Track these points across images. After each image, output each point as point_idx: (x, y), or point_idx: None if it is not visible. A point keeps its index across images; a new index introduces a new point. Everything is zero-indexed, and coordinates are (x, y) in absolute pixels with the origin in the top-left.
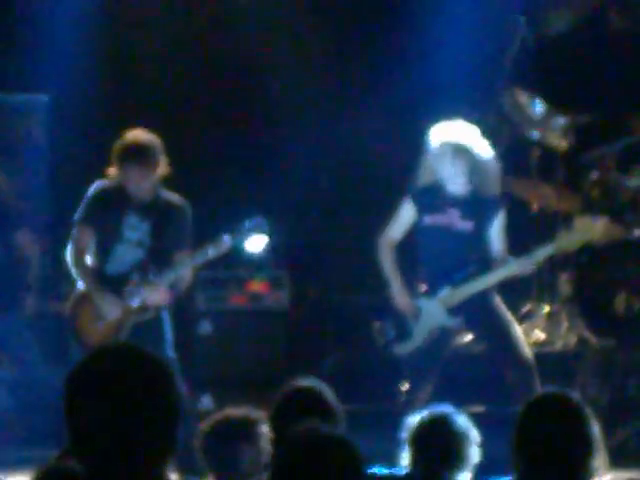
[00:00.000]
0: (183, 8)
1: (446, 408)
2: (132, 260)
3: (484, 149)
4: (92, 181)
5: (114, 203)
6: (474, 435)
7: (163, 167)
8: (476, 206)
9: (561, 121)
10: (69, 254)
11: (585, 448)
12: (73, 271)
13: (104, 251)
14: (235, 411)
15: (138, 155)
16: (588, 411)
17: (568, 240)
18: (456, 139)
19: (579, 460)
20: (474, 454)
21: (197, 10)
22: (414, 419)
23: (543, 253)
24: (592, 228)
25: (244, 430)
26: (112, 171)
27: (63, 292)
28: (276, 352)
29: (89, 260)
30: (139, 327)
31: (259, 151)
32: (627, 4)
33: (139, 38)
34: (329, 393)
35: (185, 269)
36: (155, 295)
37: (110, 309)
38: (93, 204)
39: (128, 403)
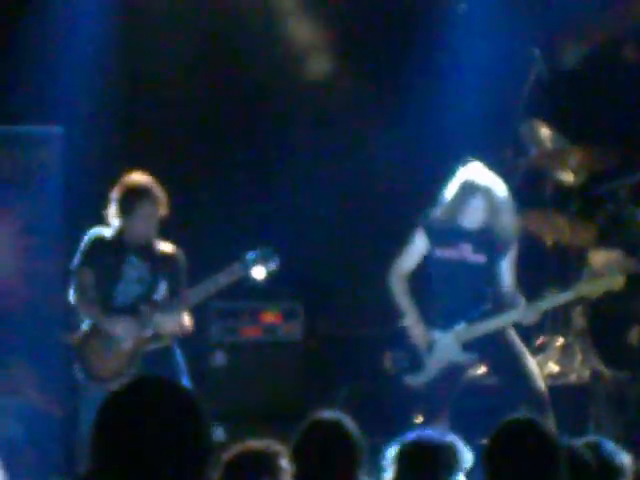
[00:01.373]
0: (196, 36)
1: (433, 433)
2: (136, 294)
3: (500, 188)
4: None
5: (113, 246)
6: (459, 456)
7: (165, 209)
8: (488, 240)
9: (576, 154)
10: (72, 298)
11: (551, 477)
12: (80, 312)
13: (106, 290)
14: (256, 443)
15: (151, 193)
16: (557, 440)
17: (589, 289)
18: (474, 178)
19: None
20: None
21: (209, 37)
22: (397, 446)
23: (562, 298)
24: (615, 280)
25: (266, 463)
26: (111, 216)
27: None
28: (290, 384)
29: (93, 298)
30: (150, 357)
31: (269, 182)
32: None
33: (152, 68)
34: (351, 425)
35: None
36: (170, 322)
37: (124, 339)
38: (91, 248)
39: (161, 435)
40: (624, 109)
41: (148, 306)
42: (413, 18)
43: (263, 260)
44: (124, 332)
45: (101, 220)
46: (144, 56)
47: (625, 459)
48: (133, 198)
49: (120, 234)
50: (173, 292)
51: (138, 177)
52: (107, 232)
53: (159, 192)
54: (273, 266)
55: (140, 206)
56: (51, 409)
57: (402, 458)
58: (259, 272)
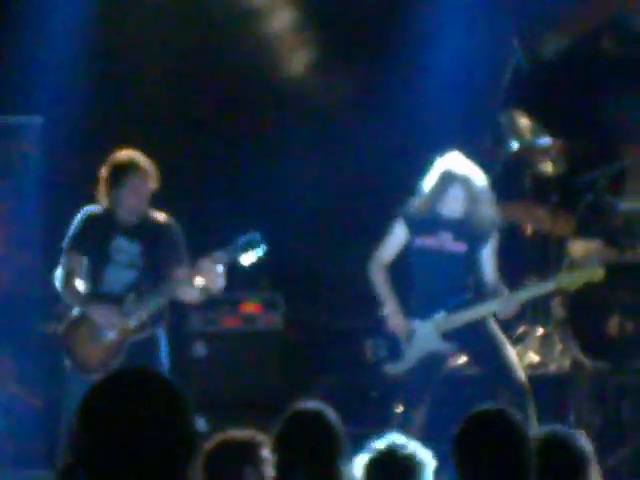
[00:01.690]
0: (181, 30)
1: (395, 438)
2: (125, 281)
3: (479, 178)
4: (87, 202)
5: (101, 227)
6: (425, 463)
7: (155, 183)
8: (468, 228)
9: (554, 145)
10: (58, 280)
11: (518, 467)
12: (63, 296)
13: (95, 275)
14: (238, 433)
15: (139, 165)
16: (524, 430)
17: (570, 280)
18: (453, 167)
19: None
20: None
21: (191, 25)
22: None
23: (543, 288)
24: (595, 272)
25: (248, 452)
26: (101, 194)
27: (57, 313)
28: (270, 374)
29: (80, 284)
30: (135, 347)
31: (250, 172)
32: (619, 28)
33: (135, 59)
34: (332, 415)
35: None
36: (189, 293)
37: (108, 329)
38: (80, 230)
39: (143, 426)
40: (603, 100)
41: (135, 294)
42: (394, 6)
43: (251, 246)
44: (105, 321)
45: (81, 209)
46: (123, 44)
47: (587, 447)
48: (121, 171)
49: (110, 214)
50: (175, 264)
51: (125, 152)
52: (98, 211)
53: (147, 165)
54: (261, 252)
55: (128, 178)
56: (31, 400)
57: (370, 467)
58: (247, 258)
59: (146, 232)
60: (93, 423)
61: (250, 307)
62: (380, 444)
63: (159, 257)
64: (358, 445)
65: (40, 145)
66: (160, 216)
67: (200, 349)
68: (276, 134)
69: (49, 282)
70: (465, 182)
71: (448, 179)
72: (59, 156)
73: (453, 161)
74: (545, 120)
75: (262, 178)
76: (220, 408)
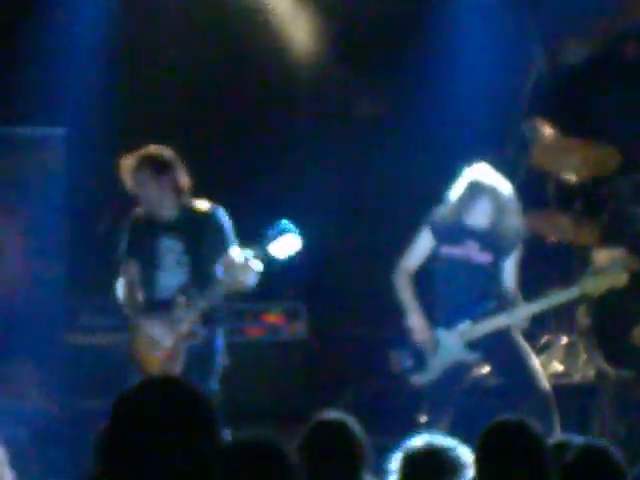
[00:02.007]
0: (197, 43)
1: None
2: (176, 283)
3: (506, 189)
4: (106, 210)
5: (146, 231)
6: (464, 462)
7: (182, 179)
8: (494, 239)
9: (578, 153)
10: (119, 290)
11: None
12: (123, 307)
13: (147, 280)
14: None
15: (136, 160)
16: (545, 441)
17: (593, 285)
18: (480, 178)
19: None
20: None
21: (209, 44)
22: (399, 456)
23: (567, 295)
24: (619, 277)
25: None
26: (131, 190)
27: (84, 324)
28: (294, 384)
29: (139, 292)
30: (191, 351)
31: (268, 187)
32: None
33: (153, 69)
34: (356, 426)
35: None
36: (248, 278)
37: (162, 338)
38: (128, 237)
39: (169, 435)
40: (626, 108)
41: (185, 297)
42: (416, 16)
43: (280, 233)
44: (156, 332)
45: (99, 217)
46: (144, 57)
47: (622, 461)
48: (132, 170)
49: (150, 215)
50: (223, 252)
51: (144, 149)
52: (140, 213)
53: (148, 160)
54: (294, 239)
55: (134, 176)
56: (53, 410)
57: (407, 464)
58: (279, 248)
59: (187, 227)
60: (121, 433)
61: (273, 317)
62: (417, 441)
63: (204, 251)
64: (382, 455)
65: (63, 157)
66: (202, 205)
67: (223, 359)
68: (303, 147)
69: (72, 293)
70: (492, 193)
71: (475, 190)
72: (81, 166)
73: (480, 172)
74: (568, 128)
75: (286, 188)
76: (244, 418)
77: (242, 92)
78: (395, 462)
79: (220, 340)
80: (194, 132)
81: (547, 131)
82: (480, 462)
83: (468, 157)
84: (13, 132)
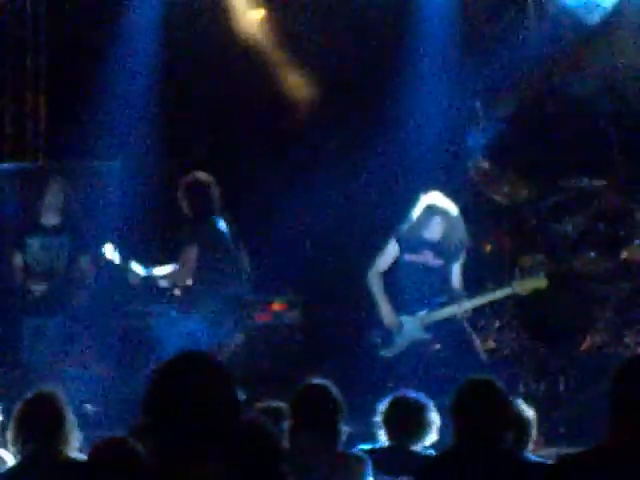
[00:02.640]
0: (234, 78)
1: (406, 392)
2: None
3: (454, 210)
4: (156, 232)
5: None
6: (431, 407)
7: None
8: (445, 248)
9: (507, 183)
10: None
11: (506, 424)
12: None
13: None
14: (272, 403)
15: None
16: (507, 394)
17: (522, 288)
18: (434, 202)
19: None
20: (435, 420)
21: (249, 73)
22: (383, 405)
23: (502, 294)
24: (541, 281)
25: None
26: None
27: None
28: (292, 357)
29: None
30: None
31: (272, 211)
32: (560, 92)
33: (192, 109)
34: (334, 389)
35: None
36: None
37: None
38: None
39: (201, 393)
40: (546, 149)
41: None
42: (386, 76)
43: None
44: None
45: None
46: (188, 99)
47: (531, 414)
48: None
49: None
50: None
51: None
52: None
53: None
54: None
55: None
56: (108, 375)
57: (391, 406)
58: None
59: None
60: (163, 392)
61: (277, 306)
62: (395, 395)
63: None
64: (357, 411)
65: (118, 185)
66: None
67: (239, 337)
68: (295, 166)
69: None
70: (443, 214)
71: (431, 211)
72: (133, 195)
73: (434, 197)
74: (501, 163)
75: (284, 212)
76: (254, 382)
77: (269, 126)
78: (382, 406)
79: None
80: (231, 158)
81: (485, 166)
82: (456, 414)
83: (425, 186)
84: (80, 164)
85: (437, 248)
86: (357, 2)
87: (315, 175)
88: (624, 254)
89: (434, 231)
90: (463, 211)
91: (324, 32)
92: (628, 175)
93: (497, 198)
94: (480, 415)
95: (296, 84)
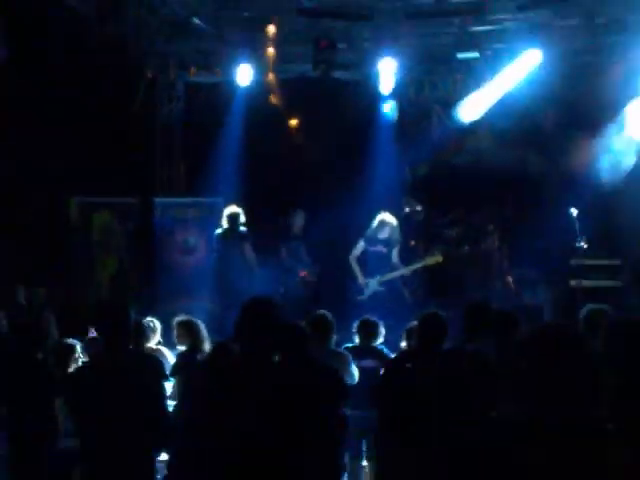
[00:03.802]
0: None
1: (369, 317)
2: None
3: (395, 222)
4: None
5: None
6: (381, 324)
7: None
8: (389, 242)
9: (423, 212)
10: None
11: (444, 334)
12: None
13: None
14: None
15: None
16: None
17: (429, 261)
18: (385, 218)
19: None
20: (382, 332)
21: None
22: (356, 323)
23: (419, 264)
24: (438, 258)
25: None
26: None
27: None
28: (309, 302)
29: None
30: None
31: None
32: (467, 150)
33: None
34: (330, 314)
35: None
36: None
37: None
38: None
39: (265, 319)
40: (445, 191)
41: None
42: (357, 142)
43: None
44: None
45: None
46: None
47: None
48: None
49: None
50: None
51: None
52: None
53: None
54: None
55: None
56: (215, 308)
57: (359, 327)
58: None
59: None
60: (245, 319)
61: (304, 273)
62: (363, 318)
63: None
64: (344, 328)
65: (220, 217)
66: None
67: (280, 290)
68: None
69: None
70: (390, 224)
71: (382, 222)
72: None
73: (385, 215)
74: (420, 200)
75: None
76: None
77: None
78: (355, 323)
79: None
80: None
81: (411, 201)
82: (420, 329)
83: (380, 209)
84: (195, 200)
85: (385, 243)
86: (346, 123)
87: (323, 199)
88: (482, 246)
89: (384, 233)
90: (400, 223)
91: (325, 128)
92: (484, 207)
93: (415, 217)
94: (429, 328)
95: (311, 151)
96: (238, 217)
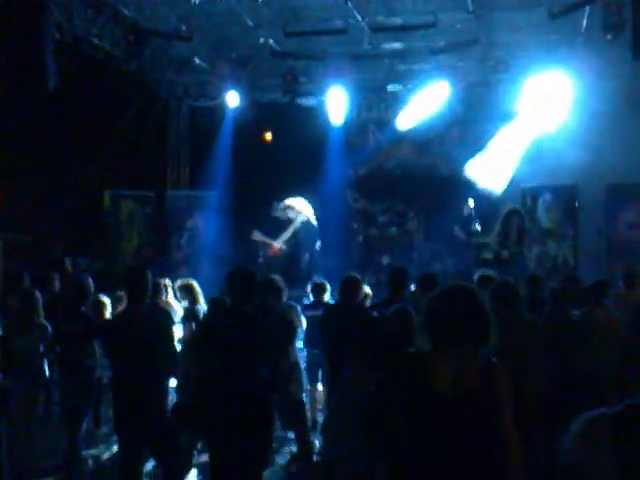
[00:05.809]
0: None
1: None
2: None
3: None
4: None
5: None
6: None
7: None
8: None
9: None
10: None
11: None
12: None
13: None
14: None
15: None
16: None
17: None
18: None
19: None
20: (328, 288)
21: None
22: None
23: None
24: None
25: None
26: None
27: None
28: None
29: None
30: None
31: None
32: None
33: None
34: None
35: None
36: None
37: None
38: None
39: (246, 286)
40: (377, 195)
41: None
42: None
43: None
44: None
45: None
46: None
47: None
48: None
49: None
50: None
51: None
52: None
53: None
54: None
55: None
56: (210, 272)
57: (312, 288)
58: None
59: None
60: (240, 277)
61: (275, 248)
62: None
63: None
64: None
65: (214, 209)
66: None
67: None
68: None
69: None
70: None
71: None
72: (224, 216)
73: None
74: (362, 194)
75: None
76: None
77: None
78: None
79: None
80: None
81: (356, 196)
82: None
83: (331, 200)
84: (190, 193)
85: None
86: (307, 136)
87: (292, 192)
88: (405, 228)
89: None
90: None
91: (292, 140)
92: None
93: (362, 210)
94: (345, 286)
95: (281, 156)
96: None
